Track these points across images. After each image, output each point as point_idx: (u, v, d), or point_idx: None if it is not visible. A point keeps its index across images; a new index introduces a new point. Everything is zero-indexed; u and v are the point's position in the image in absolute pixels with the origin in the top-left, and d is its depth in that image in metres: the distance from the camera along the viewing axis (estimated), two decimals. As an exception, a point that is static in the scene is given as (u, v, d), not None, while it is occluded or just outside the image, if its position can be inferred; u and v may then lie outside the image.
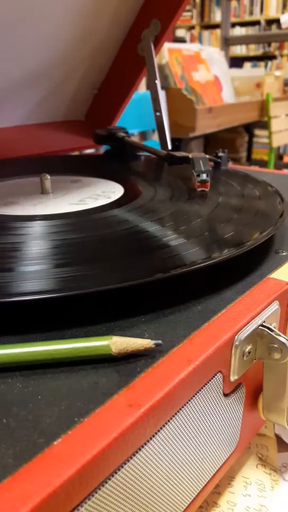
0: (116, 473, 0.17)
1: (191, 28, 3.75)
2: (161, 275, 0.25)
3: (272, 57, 3.52)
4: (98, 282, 0.24)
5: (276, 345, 0.23)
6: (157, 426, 0.19)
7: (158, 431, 0.19)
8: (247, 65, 3.44)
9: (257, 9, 3.50)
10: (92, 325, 0.23)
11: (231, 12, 2.80)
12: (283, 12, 3.33)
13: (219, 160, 0.51)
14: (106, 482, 0.17)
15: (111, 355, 0.20)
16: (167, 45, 1.66)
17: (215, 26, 3.50)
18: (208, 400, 0.22)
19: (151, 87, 0.58)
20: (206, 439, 0.23)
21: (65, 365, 0.20)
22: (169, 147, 0.56)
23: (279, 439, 0.34)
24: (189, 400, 0.20)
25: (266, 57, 3.53)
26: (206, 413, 0.22)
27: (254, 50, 3.61)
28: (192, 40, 3.70)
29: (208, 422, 0.22)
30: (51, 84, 0.61)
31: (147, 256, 0.27)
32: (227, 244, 0.29)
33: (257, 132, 2.37)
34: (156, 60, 0.59)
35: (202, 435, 0.22)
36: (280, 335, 0.23)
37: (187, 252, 0.28)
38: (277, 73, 2.36)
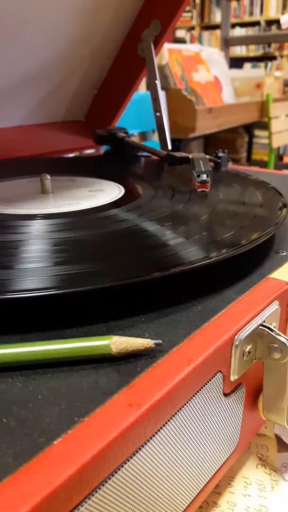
0: (116, 472, 0.17)
1: (191, 28, 3.75)
2: (160, 273, 0.25)
3: (272, 58, 3.51)
4: (98, 280, 0.24)
5: (276, 345, 0.23)
6: (157, 426, 0.19)
7: (158, 431, 0.19)
8: (247, 65, 3.43)
9: (257, 9, 3.50)
10: (92, 325, 0.23)
11: (231, 12, 2.80)
12: (283, 13, 3.33)
13: (219, 160, 0.51)
14: (106, 482, 0.17)
15: (111, 354, 0.20)
16: (167, 46, 1.66)
17: (215, 26, 3.50)
18: (208, 400, 0.22)
19: (151, 87, 0.58)
20: (206, 439, 0.23)
21: (65, 365, 0.20)
22: (169, 147, 0.56)
23: (279, 439, 0.34)
24: (189, 400, 0.20)
25: (266, 58, 3.53)
26: (206, 413, 0.22)
27: (254, 50, 3.61)
28: (192, 40, 3.70)
29: (208, 422, 0.22)
30: (51, 84, 0.61)
31: (147, 255, 0.27)
32: (227, 244, 0.29)
33: (257, 132, 2.38)
34: (156, 60, 0.59)
35: (202, 435, 0.22)
36: (280, 335, 0.23)
37: (187, 251, 0.28)
38: (277, 73, 2.36)
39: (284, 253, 0.32)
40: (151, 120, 0.99)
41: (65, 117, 0.68)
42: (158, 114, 0.57)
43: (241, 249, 0.28)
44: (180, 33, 3.72)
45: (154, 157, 0.55)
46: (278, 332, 0.24)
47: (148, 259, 0.27)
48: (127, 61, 0.63)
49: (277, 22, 3.23)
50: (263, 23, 3.47)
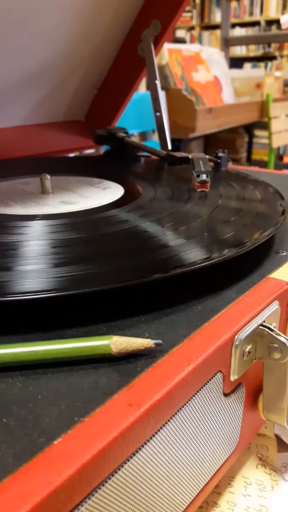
0: (116, 472, 0.17)
1: (191, 28, 3.75)
2: (161, 275, 0.25)
3: (272, 58, 3.51)
4: (98, 282, 0.24)
5: (276, 345, 0.23)
6: (157, 426, 0.19)
7: (158, 431, 0.19)
8: (247, 65, 3.43)
9: (257, 9, 3.49)
10: (92, 325, 0.23)
11: (231, 12, 2.80)
12: (283, 13, 3.33)
13: (219, 160, 0.51)
14: (106, 482, 0.17)
15: (111, 354, 0.20)
16: (167, 46, 1.66)
17: (215, 26, 3.49)
18: (208, 400, 0.22)
19: (151, 87, 0.58)
20: (206, 439, 0.23)
21: (65, 365, 0.20)
22: (169, 147, 0.56)
23: (279, 439, 0.34)
24: (189, 400, 0.20)
25: (266, 58, 3.53)
26: (206, 413, 0.22)
27: (254, 50, 3.61)
28: (192, 40, 3.70)
29: (208, 422, 0.22)
30: (51, 84, 0.61)
31: (148, 256, 0.27)
32: (227, 244, 0.29)
33: (257, 132, 2.37)
34: (156, 61, 0.59)
35: (202, 435, 0.22)
36: (280, 335, 0.23)
37: (187, 252, 0.28)
38: (277, 73, 2.36)
39: (284, 253, 0.32)
40: (151, 120, 0.99)
41: (65, 117, 0.68)
42: (158, 114, 0.57)
43: (242, 250, 0.28)
44: (180, 33, 3.72)
45: (154, 157, 0.55)
46: (278, 332, 0.24)
47: (148, 260, 0.27)
48: (127, 61, 0.63)
49: (277, 22, 3.23)
50: (263, 23, 3.47)
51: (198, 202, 0.38)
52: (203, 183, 0.41)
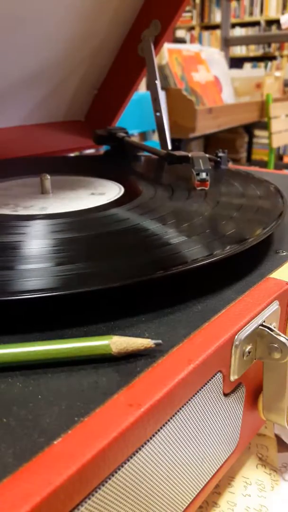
0: (116, 472, 0.17)
1: (191, 28, 3.75)
2: (163, 272, 0.25)
3: (272, 58, 3.51)
4: (99, 281, 0.24)
5: (276, 345, 0.23)
6: (157, 426, 0.19)
7: (158, 431, 0.19)
8: (247, 65, 3.43)
9: (257, 9, 3.50)
10: (92, 325, 0.23)
11: (231, 12, 2.80)
12: (283, 13, 3.33)
13: (219, 159, 0.51)
14: (106, 482, 0.17)
15: (111, 354, 0.20)
16: (167, 46, 1.66)
17: (215, 26, 3.49)
18: (208, 400, 0.22)
19: (151, 87, 0.58)
20: (206, 439, 0.23)
21: (65, 365, 0.20)
22: (169, 147, 0.56)
23: (279, 439, 0.34)
24: (189, 400, 0.20)
25: (266, 58, 3.53)
26: (206, 413, 0.22)
27: (254, 50, 3.61)
28: (192, 40, 3.70)
29: (208, 422, 0.22)
30: (51, 84, 0.61)
31: (148, 254, 0.27)
32: (227, 242, 0.29)
33: (257, 132, 2.38)
34: (156, 61, 0.59)
35: (202, 435, 0.22)
36: (280, 335, 0.23)
37: (187, 250, 0.28)
38: (277, 73, 2.36)
39: (284, 253, 0.32)
40: (151, 120, 0.99)
41: (65, 117, 0.68)
42: (158, 114, 0.57)
43: (242, 248, 0.28)
44: (180, 33, 3.72)
45: (154, 156, 0.55)
46: (278, 332, 0.24)
47: (149, 259, 0.27)
48: (127, 61, 0.63)
49: (277, 22, 3.23)
50: (263, 23, 3.47)
51: (198, 201, 0.38)
52: (203, 181, 0.41)
